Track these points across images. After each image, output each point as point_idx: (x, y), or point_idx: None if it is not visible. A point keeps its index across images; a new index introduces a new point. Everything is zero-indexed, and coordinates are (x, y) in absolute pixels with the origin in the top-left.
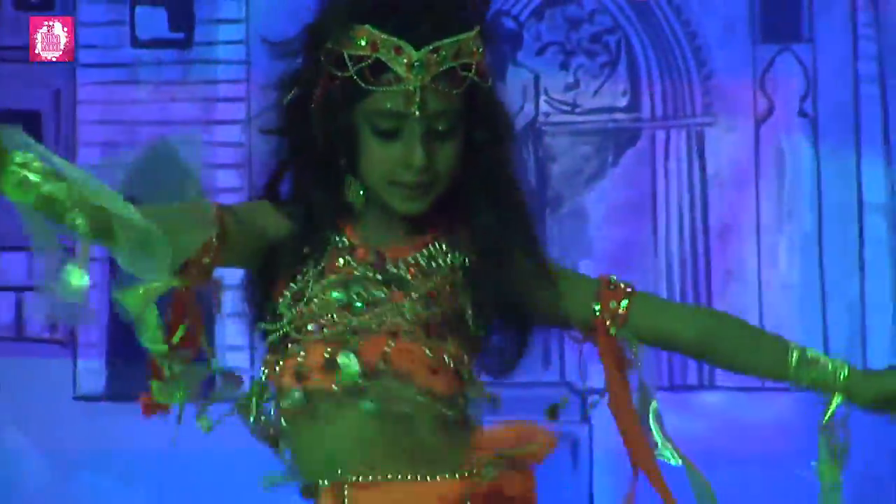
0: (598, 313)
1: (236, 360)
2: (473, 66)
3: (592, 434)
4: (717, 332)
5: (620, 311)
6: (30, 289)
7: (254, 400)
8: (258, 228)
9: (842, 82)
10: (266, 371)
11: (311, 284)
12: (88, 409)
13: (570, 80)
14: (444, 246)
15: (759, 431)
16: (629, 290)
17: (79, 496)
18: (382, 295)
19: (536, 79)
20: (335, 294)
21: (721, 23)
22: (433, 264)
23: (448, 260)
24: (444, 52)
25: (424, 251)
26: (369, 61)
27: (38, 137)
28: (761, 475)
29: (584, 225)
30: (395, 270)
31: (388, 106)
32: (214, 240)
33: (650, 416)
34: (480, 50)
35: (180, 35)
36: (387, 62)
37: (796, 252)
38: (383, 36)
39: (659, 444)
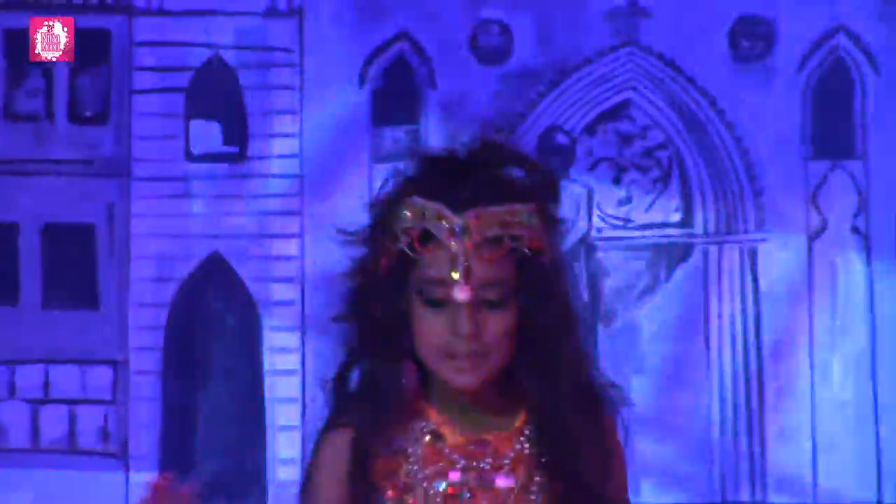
0: None
1: None
2: (525, 238)
3: None
4: None
5: None
6: (82, 401)
7: None
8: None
9: (894, 198)
10: None
11: (414, 476)
12: None
13: (623, 195)
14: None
15: None
16: None
17: None
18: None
19: (589, 194)
20: (440, 486)
21: (773, 138)
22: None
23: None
24: (487, 219)
25: (522, 437)
26: (417, 231)
27: (93, 250)
28: None
29: (636, 340)
30: (490, 460)
31: (434, 273)
32: None
33: None
34: (535, 225)
35: (234, 149)
36: (432, 230)
37: (850, 368)
38: (429, 204)
39: None
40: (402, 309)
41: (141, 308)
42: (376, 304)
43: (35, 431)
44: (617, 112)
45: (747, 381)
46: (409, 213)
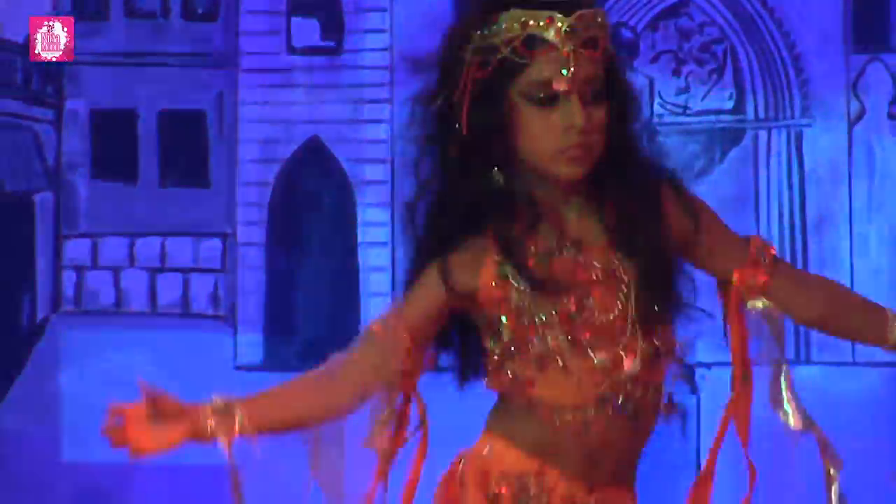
0: (735, 282)
1: None
2: (609, 39)
3: (700, 404)
4: (832, 312)
5: (758, 285)
6: (194, 270)
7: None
8: (439, 307)
9: None
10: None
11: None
12: (247, 379)
13: (682, 84)
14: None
15: (851, 404)
16: (771, 266)
17: (237, 455)
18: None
19: (651, 83)
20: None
21: (817, 34)
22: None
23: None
24: (587, 20)
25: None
26: (522, 38)
27: (204, 134)
28: (854, 446)
29: None
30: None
31: (546, 74)
32: (409, 343)
33: (781, 377)
34: (608, 27)
35: (331, 43)
36: (538, 34)
37: (885, 240)
38: (533, 12)
39: (784, 403)
40: (499, 117)
41: (247, 186)
42: (467, 120)
43: (152, 297)
44: (677, 10)
45: (793, 251)
46: (510, 24)
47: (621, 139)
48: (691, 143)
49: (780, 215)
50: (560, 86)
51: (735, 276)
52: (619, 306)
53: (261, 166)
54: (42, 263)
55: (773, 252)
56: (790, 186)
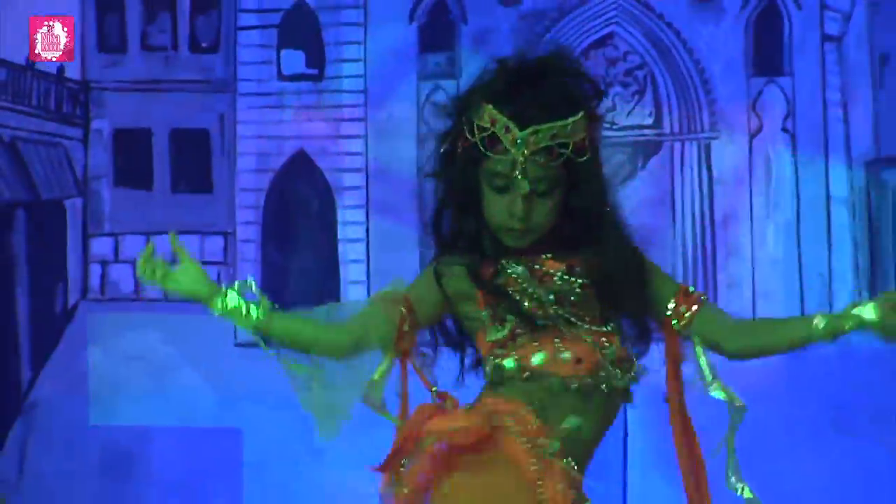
0: (668, 313)
1: None
2: (570, 145)
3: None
4: (756, 332)
5: (686, 316)
6: (201, 263)
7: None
8: (436, 291)
9: (814, 106)
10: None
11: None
12: (246, 354)
13: (609, 104)
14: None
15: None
16: (700, 300)
17: (240, 419)
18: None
19: None
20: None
21: (723, 62)
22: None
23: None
24: (541, 135)
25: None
26: (488, 133)
27: (208, 148)
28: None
29: None
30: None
31: (499, 169)
32: (406, 314)
33: (701, 360)
34: (581, 129)
35: (315, 71)
36: (499, 136)
37: (780, 235)
38: (500, 116)
39: (709, 380)
40: (471, 185)
41: (245, 192)
42: (456, 176)
43: None
44: (604, 41)
45: (703, 245)
46: (486, 117)
47: (586, 215)
48: (618, 154)
49: (693, 214)
50: (507, 182)
51: (670, 306)
52: (589, 309)
53: (256, 175)
54: (72, 258)
55: (703, 295)
56: (700, 190)
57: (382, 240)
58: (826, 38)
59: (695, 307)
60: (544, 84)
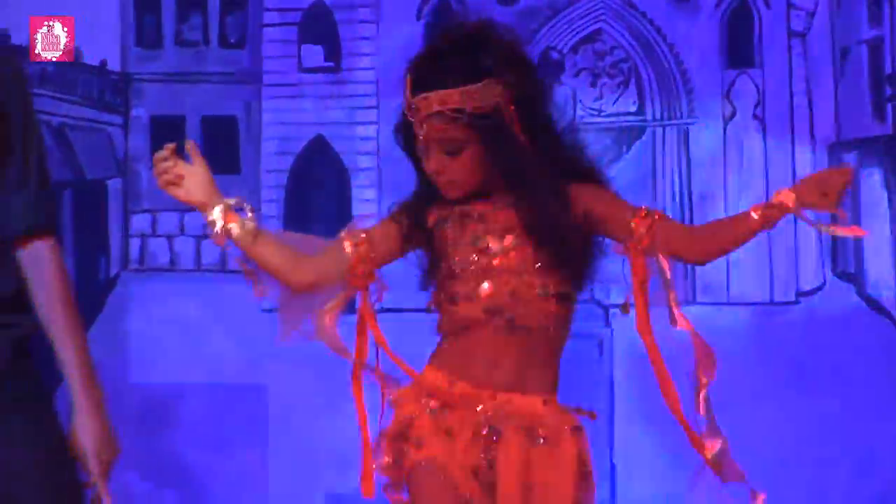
0: (630, 235)
1: None
2: (466, 111)
3: (613, 335)
4: (707, 236)
5: (647, 235)
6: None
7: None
8: (395, 233)
9: (781, 95)
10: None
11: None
12: (271, 318)
13: (597, 94)
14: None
15: (727, 336)
16: (656, 217)
17: (265, 377)
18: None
19: (574, 93)
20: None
21: (699, 55)
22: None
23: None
24: (430, 101)
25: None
26: (406, 102)
27: (236, 133)
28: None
29: None
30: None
31: (414, 132)
32: (362, 249)
33: (670, 298)
34: (487, 96)
35: (332, 64)
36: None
37: None
38: (408, 83)
39: (672, 312)
40: (413, 146)
41: (269, 173)
42: (401, 140)
43: (198, 258)
44: (593, 37)
45: (682, 219)
46: (406, 84)
47: (505, 165)
48: (605, 138)
49: (672, 193)
50: (418, 142)
51: (632, 225)
52: (515, 253)
53: (279, 158)
54: (114, 233)
55: (660, 212)
56: (679, 171)
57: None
58: (792, 33)
59: (653, 225)
60: (448, 53)
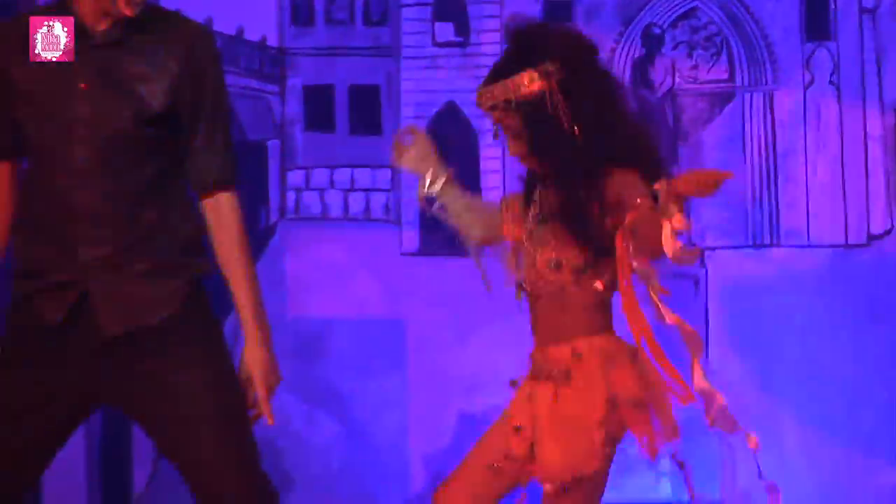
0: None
1: None
2: (513, 101)
3: (707, 274)
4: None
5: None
6: (373, 190)
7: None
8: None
9: (854, 64)
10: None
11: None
12: (409, 262)
13: (693, 63)
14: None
15: (808, 277)
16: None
17: (403, 313)
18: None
19: (673, 63)
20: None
21: (782, 29)
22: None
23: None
24: (484, 95)
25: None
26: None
27: (378, 100)
28: (811, 306)
29: (700, 150)
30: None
31: None
32: (508, 215)
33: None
34: (530, 83)
35: (461, 39)
36: None
37: (828, 166)
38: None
39: (661, 312)
40: None
41: None
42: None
43: (346, 208)
44: (689, 14)
45: (768, 172)
46: None
47: (541, 150)
48: (699, 102)
49: (759, 149)
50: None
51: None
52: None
53: (415, 121)
54: (272, 187)
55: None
56: (765, 131)
57: (515, 170)
58: (863, 10)
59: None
60: (507, 50)
